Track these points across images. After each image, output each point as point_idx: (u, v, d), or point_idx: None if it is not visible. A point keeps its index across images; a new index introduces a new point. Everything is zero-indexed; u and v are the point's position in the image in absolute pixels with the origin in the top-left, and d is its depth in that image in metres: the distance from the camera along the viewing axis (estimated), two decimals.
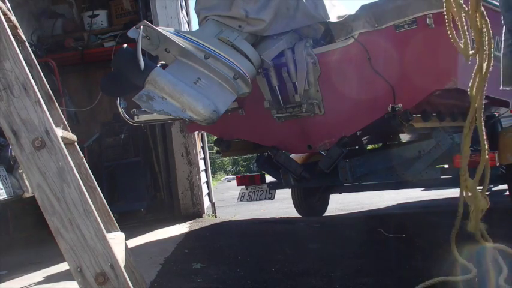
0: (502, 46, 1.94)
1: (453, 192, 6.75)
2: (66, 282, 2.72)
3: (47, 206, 1.50)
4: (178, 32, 3.26)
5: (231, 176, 26.25)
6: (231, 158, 31.85)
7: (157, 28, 3.14)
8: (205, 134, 5.80)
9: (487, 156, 2.23)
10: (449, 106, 3.93)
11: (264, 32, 3.41)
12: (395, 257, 2.69)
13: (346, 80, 3.49)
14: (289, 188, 4.96)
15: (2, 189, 3.22)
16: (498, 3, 3.58)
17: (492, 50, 3.60)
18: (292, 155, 4.35)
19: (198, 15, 3.58)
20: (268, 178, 4.97)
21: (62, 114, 2.06)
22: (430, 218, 4.31)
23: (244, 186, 5.12)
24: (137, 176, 5.77)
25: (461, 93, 3.54)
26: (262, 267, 2.85)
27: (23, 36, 2.00)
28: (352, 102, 3.48)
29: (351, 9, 3.53)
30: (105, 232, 1.52)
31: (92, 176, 2.07)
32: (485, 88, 2.16)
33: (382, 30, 3.27)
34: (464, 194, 2.25)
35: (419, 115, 3.59)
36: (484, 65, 2.12)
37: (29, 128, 1.51)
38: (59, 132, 1.63)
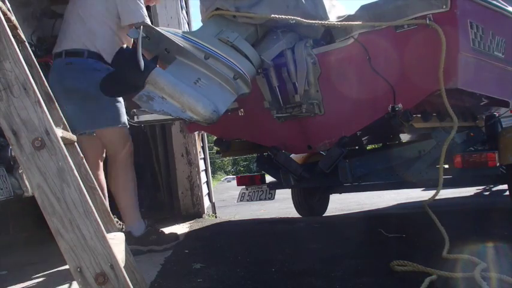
0: None
1: (453, 192, 6.76)
2: (66, 282, 2.72)
3: (47, 206, 1.50)
4: (178, 32, 3.25)
5: (231, 176, 26.26)
6: (231, 158, 31.88)
7: (157, 28, 3.14)
8: (205, 134, 5.79)
9: None
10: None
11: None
12: (395, 257, 2.69)
13: (346, 80, 3.48)
14: (289, 188, 4.95)
15: (1, 189, 3.22)
16: (499, 4, 3.58)
17: (492, 50, 3.60)
18: (292, 155, 4.34)
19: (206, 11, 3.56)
20: (268, 178, 4.96)
21: (62, 114, 2.06)
22: (430, 218, 4.30)
23: (244, 187, 5.11)
24: (137, 175, 5.74)
25: (461, 93, 3.54)
26: (262, 267, 2.85)
27: (23, 36, 2.00)
28: (352, 103, 3.48)
29: (351, 9, 3.54)
30: (105, 232, 1.52)
31: (92, 176, 2.07)
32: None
33: (382, 30, 3.27)
34: None
35: (419, 115, 3.59)
36: None
37: (29, 128, 1.52)
38: (59, 132, 1.63)
